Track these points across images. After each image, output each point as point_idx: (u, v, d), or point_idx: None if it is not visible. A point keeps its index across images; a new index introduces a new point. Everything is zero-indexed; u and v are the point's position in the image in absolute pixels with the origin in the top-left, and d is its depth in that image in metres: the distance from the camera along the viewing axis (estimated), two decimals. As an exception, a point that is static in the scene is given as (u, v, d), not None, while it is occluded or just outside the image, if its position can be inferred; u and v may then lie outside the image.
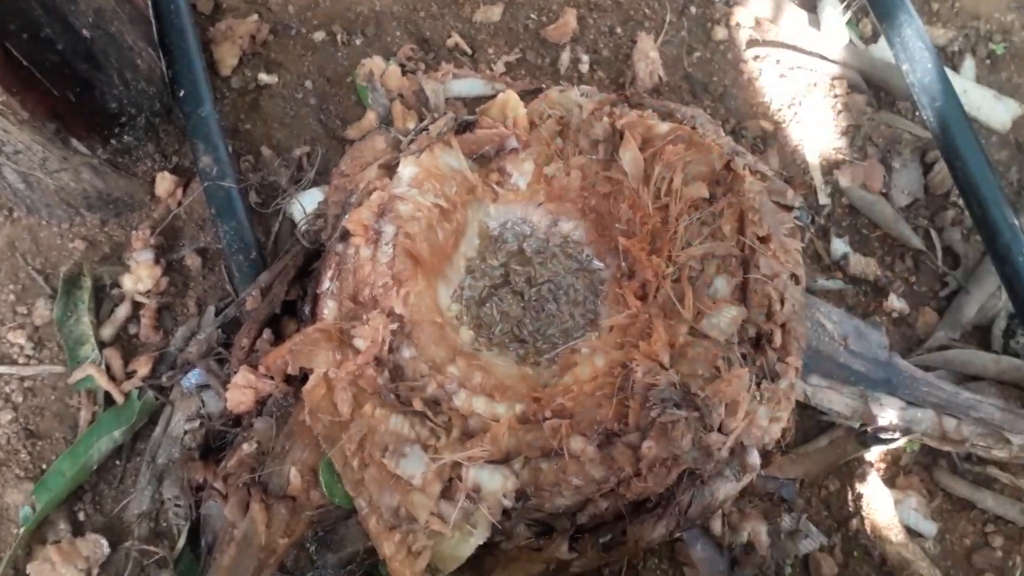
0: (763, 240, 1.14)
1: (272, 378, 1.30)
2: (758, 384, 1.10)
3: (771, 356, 1.10)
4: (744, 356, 1.11)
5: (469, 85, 1.61)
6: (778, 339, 1.10)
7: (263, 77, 1.60)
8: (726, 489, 1.13)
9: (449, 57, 1.66)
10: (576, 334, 1.30)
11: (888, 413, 1.48)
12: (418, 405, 1.16)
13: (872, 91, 1.75)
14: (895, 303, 1.60)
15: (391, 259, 1.23)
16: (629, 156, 1.24)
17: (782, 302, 1.11)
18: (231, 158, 1.50)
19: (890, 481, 1.50)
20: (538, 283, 1.32)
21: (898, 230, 1.65)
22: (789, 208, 1.16)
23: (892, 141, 1.71)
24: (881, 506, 1.47)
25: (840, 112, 1.72)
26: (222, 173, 1.47)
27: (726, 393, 1.07)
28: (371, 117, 1.55)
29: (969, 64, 1.79)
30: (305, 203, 1.50)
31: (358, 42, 1.65)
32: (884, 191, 1.68)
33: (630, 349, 1.15)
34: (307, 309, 1.37)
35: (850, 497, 1.49)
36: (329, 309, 1.28)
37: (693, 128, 1.24)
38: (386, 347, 1.19)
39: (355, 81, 1.60)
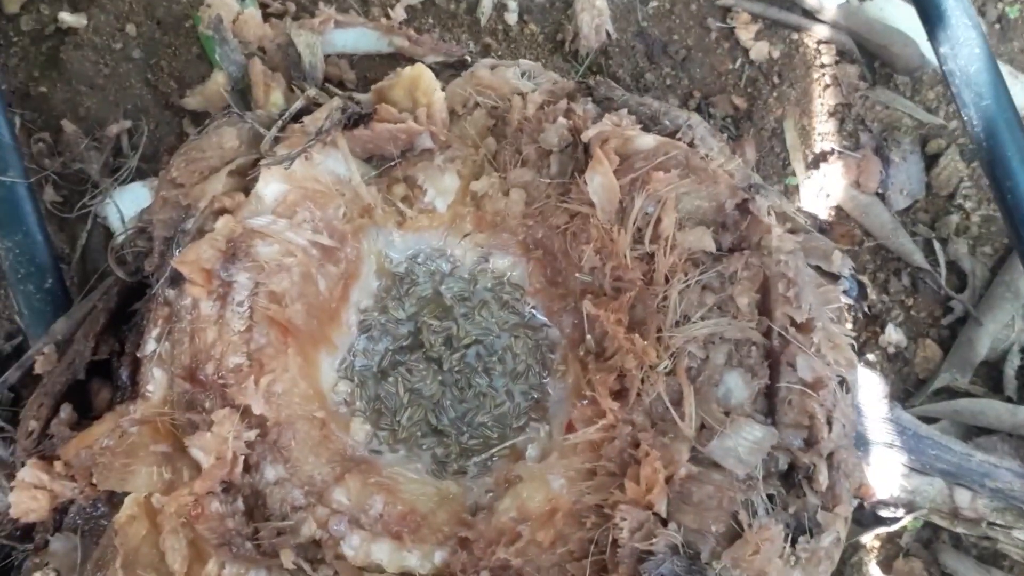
0: (801, 328, 0.78)
1: (74, 478, 0.89)
2: (792, 541, 0.76)
3: (812, 502, 0.76)
4: (771, 498, 0.77)
5: (357, 37, 1.18)
6: (823, 477, 0.75)
7: (66, 17, 1.13)
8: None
9: (330, -3, 1.23)
10: (515, 423, 0.93)
11: (889, 484, 1.18)
12: (288, 559, 0.77)
13: (867, 60, 1.40)
14: (892, 335, 1.29)
15: (247, 328, 0.83)
16: (599, 182, 0.85)
17: (830, 423, 0.76)
18: (16, 136, 1.04)
19: (887, 565, 1.21)
20: (462, 345, 0.94)
21: (896, 241, 1.33)
22: (835, 277, 0.81)
23: (889, 126, 1.37)
24: (877, 600, 1.18)
25: (828, 87, 1.37)
26: (1, 161, 1.02)
27: (752, 563, 0.72)
28: (219, 79, 1.11)
29: (978, 30, 1.45)
30: (124, 204, 1.07)
31: (203, -30, 1.19)
32: (879, 191, 1.35)
33: (606, 482, 0.79)
34: (125, 373, 0.95)
35: (839, 589, 1.20)
36: (155, 383, 0.88)
37: (691, 144, 0.87)
38: (239, 467, 0.80)
39: (197, 26, 1.15)
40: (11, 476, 0.93)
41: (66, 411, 0.94)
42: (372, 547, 0.79)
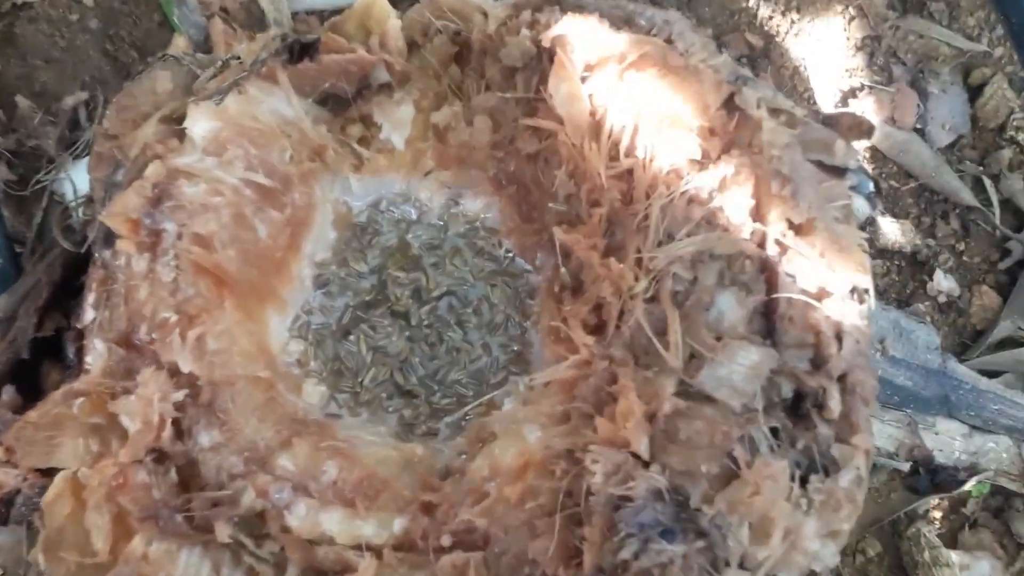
0: (800, 230, 0.66)
1: (16, 466, 0.81)
2: (803, 480, 0.63)
3: (824, 433, 0.63)
4: (775, 432, 0.65)
5: (328, -8, 1.10)
6: (835, 403, 0.63)
7: (20, -9, 1.07)
8: (748, 645, 0.68)
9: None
10: (493, 379, 0.82)
11: (948, 445, 1.04)
12: (223, 532, 0.67)
13: (894, -12, 1.28)
14: (942, 283, 1.15)
15: (173, 279, 0.74)
16: (565, 92, 0.75)
17: (839, 339, 0.64)
18: (-36, 115, 0.99)
19: (951, 538, 1.06)
20: (432, 297, 0.84)
21: (940, 180, 1.19)
22: (840, 171, 0.69)
23: (925, 57, 1.24)
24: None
25: (853, 19, 1.24)
26: (-52, 138, 0.96)
27: (752, 506, 0.60)
28: (179, 43, 1.04)
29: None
30: (80, 178, 1.00)
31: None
32: (918, 126, 1.21)
33: (579, 425, 0.67)
34: (71, 349, 0.87)
35: (898, 565, 1.05)
36: (94, 355, 0.79)
37: (668, 41, 0.76)
38: (167, 432, 0.71)
39: (157, -8, 1.08)
40: (-43, 468, 0.85)
41: (8, 393, 0.86)
42: (321, 516, 0.69)
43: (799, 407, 0.65)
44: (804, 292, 0.64)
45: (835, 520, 0.64)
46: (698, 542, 0.60)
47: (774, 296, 0.65)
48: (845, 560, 1.05)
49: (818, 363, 0.64)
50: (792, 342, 0.64)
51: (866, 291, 0.65)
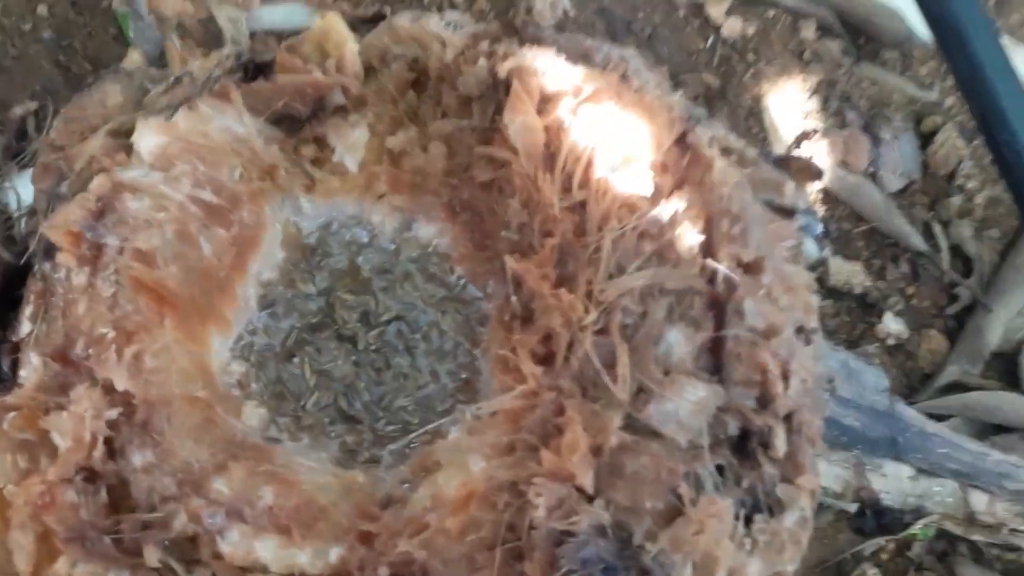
0: (749, 268, 0.66)
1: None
2: (747, 519, 0.63)
3: (769, 472, 0.63)
4: (721, 470, 0.64)
5: (288, 13, 1.09)
6: (780, 442, 0.63)
7: (-28, -3, 1.05)
8: None
9: (260, -27, 1.15)
10: (440, 406, 0.81)
11: (895, 487, 1.04)
12: (152, 556, 0.65)
13: (850, 35, 1.30)
14: (891, 325, 1.17)
15: (113, 294, 0.72)
16: (520, 123, 0.75)
17: (786, 378, 0.64)
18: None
19: (896, 583, 1.07)
20: (381, 322, 0.83)
21: (891, 224, 1.21)
22: (789, 212, 0.69)
23: (878, 103, 1.26)
24: (885, 622, 1.03)
25: (809, 63, 1.27)
26: None
27: (696, 545, 0.60)
28: (134, 58, 1.03)
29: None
30: (26, 189, 0.97)
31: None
32: (871, 171, 1.23)
33: (524, 457, 0.67)
34: (6, 363, 0.85)
35: (841, 609, 1.05)
36: (29, 368, 0.77)
37: (624, 77, 0.76)
38: (99, 451, 0.69)
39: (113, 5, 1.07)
40: None
41: (-64, 408, 0.83)
42: (255, 543, 0.67)
43: (745, 445, 0.65)
44: (752, 330, 0.64)
45: (779, 561, 0.63)
46: (640, 580, 0.60)
47: (722, 333, 0.65)
48: (789, 601, 1.05)
49: (764, 401, 0.64)
50: (739, 379, 0.64)
51: (813, 331, 0.65)
